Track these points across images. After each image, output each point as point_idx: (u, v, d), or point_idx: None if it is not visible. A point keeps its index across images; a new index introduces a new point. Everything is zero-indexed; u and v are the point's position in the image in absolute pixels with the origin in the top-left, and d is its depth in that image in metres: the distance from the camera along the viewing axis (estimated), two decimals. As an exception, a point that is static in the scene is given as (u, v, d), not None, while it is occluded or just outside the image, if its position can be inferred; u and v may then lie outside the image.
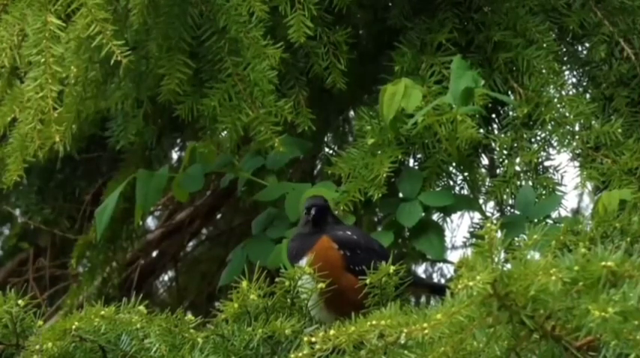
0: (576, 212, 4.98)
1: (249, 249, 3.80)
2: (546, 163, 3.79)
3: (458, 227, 4.35)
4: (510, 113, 3.85)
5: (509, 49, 3.83)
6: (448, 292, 2.54)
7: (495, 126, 3.91)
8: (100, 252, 4.41)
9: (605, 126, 3.72)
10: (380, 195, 3.62)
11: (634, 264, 2.52)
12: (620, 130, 3.71)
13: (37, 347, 2.86)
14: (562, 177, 3.78)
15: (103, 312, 2.90)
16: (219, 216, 5.09)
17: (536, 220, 3.58)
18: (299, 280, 3.07)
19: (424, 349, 2.56)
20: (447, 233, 3.80)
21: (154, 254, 5.06)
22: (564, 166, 3.79)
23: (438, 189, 3.75)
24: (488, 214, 3.81)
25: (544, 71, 3.80)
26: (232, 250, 3.88)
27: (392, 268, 3.02)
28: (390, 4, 3.96)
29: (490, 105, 3.75)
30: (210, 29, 3.68)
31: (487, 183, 3.87)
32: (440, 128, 3.66)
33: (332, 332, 2.60)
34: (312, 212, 3.24)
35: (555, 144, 3.78)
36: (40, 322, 2.98)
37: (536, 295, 2.47)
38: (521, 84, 3.82)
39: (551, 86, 3.81)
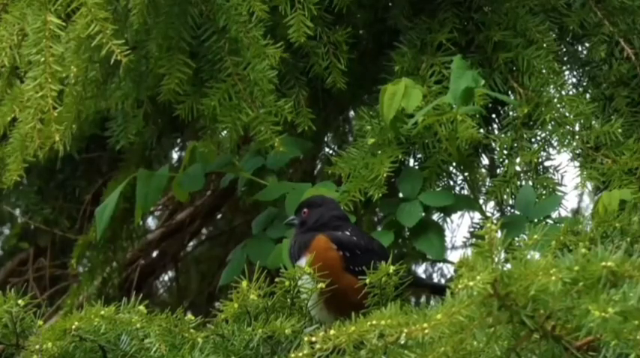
0: (576, 212, 4.98)
1: (249, 249, 3.80)
2: (546, 163, 3.79)
3: (458, 227, 4.35)
4: (510, 113, 3.85)
5: (509, 49, 3.83)
6: (448, 292, 2.54)
7: (495, 126, 3.91)
8: (100, 252, 4.41)
9: (605, 126, 3.73)
10: (380, 195, 3.62)
11: (634, 264, 2.52)
12: (620, 130, 3.71)
13: (37, 347, 2.86)
14: (562, 177, 3.78)
15: (103, 312, 2.90)
16: (219, 216, 5.09)
17: (536, 220, 3.59)
18: (299, 280, 3.08)
19: (424, 349, 2.56)
20: (447, 233, 3.81)
21: (154, 254, 5.06)
22: (564, 166, 3.79)
23: (438, 189, 3.75)
24: (489, 214, 3.81)
25: (544, 71, 3.80)
26: (232, 250, 3.88)
27: (392, 268, 3.02)
28: (390, 4, 3.96)
29: (490, 105, 3.76)
30: (210, 29, 3.68)
31: (487, 183, 3.87)
32: (440, 128, 3.66)
33: (332, 331, 2.60)
34: (295, 221, 3.32)
35: (555, 144, 3.79)
36: (40, 322, 2.99)
37: (537, 295, 2.47)
38: (521, 84, 3.82)
39: (551, 86, 3.81)
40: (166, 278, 5.22)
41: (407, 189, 3.71)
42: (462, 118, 3.65)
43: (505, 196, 3.76)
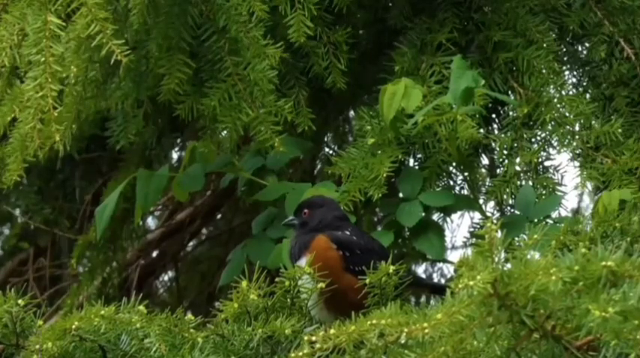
0: (576, 212, 4.98)
1: (249, 249, 3.80)
2: (546, 163, 3.79)
3: (458, 227, 4.36)
4: (510, 113, 3.85)
5: (509, 49, 3.83)
6: (448, 292, 2.54)
7: (495, 126, 3.91)
8: (100, 252, 4.41)
9: (605, 126, 3.73)
10: (380, 195, 3.63)
11: (634, 263, 2.52)
12: (620, 130, 3.71)
13: (37, 346, 2.86)
14: (562, 177, 3.78)
15: (103, 312, 2.90)
16: (219, 216, 5.09)
17: (536, 220, 3.59)
18: (299, 280, 3.08)
19: (424, 348, 2.56)
20: (447, 233, 3.81)
21: (154, 254, 5.05)
22: (564, 166, 3.79)
23: (438, 189, 3.75)
24: (489, 214, 3.81)
25: (544, 71, 3.80)
26: (232, 250, 3.88)
27: (391, 268, 3.02)
28: (390, 4, 3.97)
29: (490, 105, 3.76)
30: (210, 29, 3.68)
31: (487, 183, 3.87)
32: (440, 128, 3.66)
33: (332, 331, 2.60)
34: (294, 222, 3.30)
35: (555, 144, 3.79)
36: (40, 322, 2.99)
37: (537, 295, 2.47)
38: (521, 84, 3.82)
39: (551, 86, 3.81)
40: (166, 278, 5.22)
41: (407, 189, 3.71)
42: (462, 118, 3.65)
43: (505, 196, 3.76)
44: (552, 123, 3.77)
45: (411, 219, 3.64)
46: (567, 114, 3.77)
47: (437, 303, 2.97)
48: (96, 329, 2.89)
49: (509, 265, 2.54)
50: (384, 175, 3.63)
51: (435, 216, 3.76)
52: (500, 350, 2.55)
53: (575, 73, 3.92)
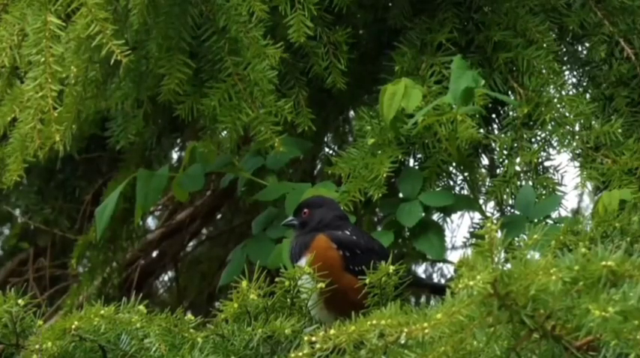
0: (576, 212, 4.98)
1: (249, 249, 3.80)
2: (546, 163, 3.79)
3: (458, 227, 4.36)
4: (510, 113, 3.85)
5: (509, 49, 3.83)
6: (448, 292, 2.54)
7: (495, 126, 3.91)
8: (100, 252, 4.41)
9: (605, 126, 3.73)
10: (380, 195, 3.63)
11: (634, 263, 2.52)
12: (620, 130, 3.71)
13: (37, 346, 2.86)
14: (562, 177, 3.78)
15: (102, 312, 2.90)
16: (219, 216, 5.09)
17: (536, 220, 3.59)
18: (299, 280, 3.08)
19: (424, 348, 2.56)
20: (447, 233, 3.81)
21: (154, 254, 5.06)
22: (564, 166, 3.79)
23: (438, 189, 3.75)
24: (489, 214, 3.81)
25: (544, 71, 3.81)
26: (232, 250, 3.88)
27: (391, 268, 3.02)
28: (390, 4, 3.97)
29: (490, 105, 3.76)
30: (210, 29, 3.68)
31: (487, 183, 3.87)
32: (440, 128, 3.66)
33: (332, 331, 2.60)
34: (294, 222, 3.29)
35: (555, 144, 3.79)
36: (40, 322, 2.98)
37: (537, 295, 2.47)
38: (521, 84, 3.82)
39: (551, 86, 3.81)
40: (166, 278, 5.22)
41: (407, 189, 3.71)
42: (462, 118, 3.65)
43: (505, 196, 3.76)
44: (552, 123, 3.77)
45: (411, 219, 3.64)
46: (567, 114, 3.77)
47: (437, 303, 2.97)
48: (96, 329, 2.89)
49: (509, 265, 2.54)
50: (384, 175, 3.64)
51: (435, 216, 3.76)
52: (500, 350, 2.55)
53: (575, 73, 3.92)
